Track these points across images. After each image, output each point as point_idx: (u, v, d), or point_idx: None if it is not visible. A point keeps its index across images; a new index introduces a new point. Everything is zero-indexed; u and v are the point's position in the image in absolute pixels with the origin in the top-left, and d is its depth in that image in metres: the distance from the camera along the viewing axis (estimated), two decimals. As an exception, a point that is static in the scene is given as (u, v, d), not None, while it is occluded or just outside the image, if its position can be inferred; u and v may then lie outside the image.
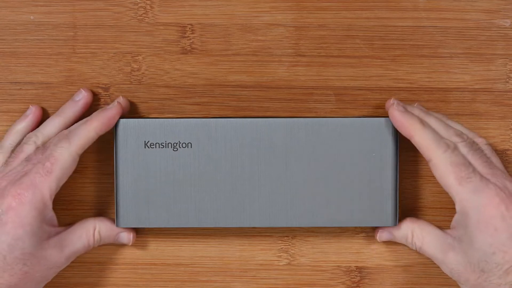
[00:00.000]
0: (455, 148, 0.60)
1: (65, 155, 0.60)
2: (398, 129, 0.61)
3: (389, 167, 0.62)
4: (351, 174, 0.62)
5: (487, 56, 0.66)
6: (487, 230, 0.58)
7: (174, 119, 0.62)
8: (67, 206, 0.66)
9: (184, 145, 0.62)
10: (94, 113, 0.63)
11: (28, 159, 0.61)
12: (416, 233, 0.63)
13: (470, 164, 0.60)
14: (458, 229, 0.60)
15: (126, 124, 0.62)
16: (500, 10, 0.66)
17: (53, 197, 0.60)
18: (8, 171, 0.61)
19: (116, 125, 0.62)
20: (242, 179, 0.62)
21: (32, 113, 0.65)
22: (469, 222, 0.59)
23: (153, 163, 0.62)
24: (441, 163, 0.59)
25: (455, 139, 0.61)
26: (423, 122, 0.61)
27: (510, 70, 0.66)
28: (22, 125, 0.64)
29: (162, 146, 0.62)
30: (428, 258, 0.63)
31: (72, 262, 0.64)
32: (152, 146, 0.62)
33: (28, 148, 0.62)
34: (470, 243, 0.59)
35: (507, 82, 0.66)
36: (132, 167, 0.62)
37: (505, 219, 0.58)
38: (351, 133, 0.62)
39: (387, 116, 0.62)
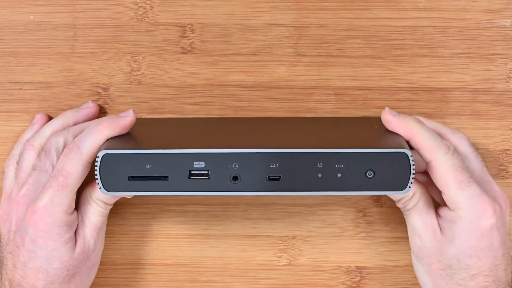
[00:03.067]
0: (454, 150, 0.59)
1: (77, 167, 0.59)
2: (395, 130, 0.60)
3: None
4: (354, 129, 0.61)
5: (487, 56, 0.66)
6: (474, 234, 0.58)
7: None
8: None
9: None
10: (106, 118, 0.61)
11: (34, 167, 0.61)
12: (416, 195, 0.60)
13: (468, 168, 0.60)
14: (445, 221, 0.60)
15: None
16: (500, 10, 0.66)
17: (73, 206, 0.60)
18: (21, 187, 0.61)
19: None
20: (242, 127, 0.61)
21: (38, 121, 0.65)
22: (460, 221, 0.59)
23: (149, 122, 0.62)
24: (442, 166, 0.58)
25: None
26: (420, 121, 0.60)
27: (510, 70, 0.66)
28: (29, 135, 0.64)
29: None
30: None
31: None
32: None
33: (28, 154, 0.62)
34: (452, 238, 0.59)
35: (507, 82, 0.66)
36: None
37: (492, 229, 0.59)
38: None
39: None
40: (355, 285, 0.67)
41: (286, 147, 0.56)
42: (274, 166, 0.56)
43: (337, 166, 0.56)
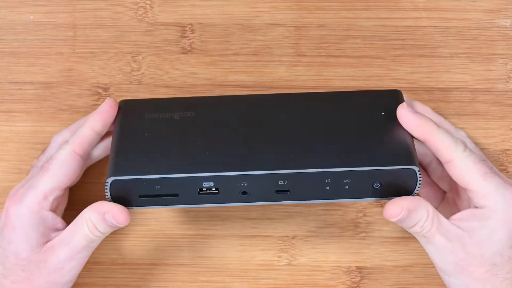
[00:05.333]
0: (466, 145, 0.58)
1: (61, 153, 0.59)
2: (410, 131, 0.58)
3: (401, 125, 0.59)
4: (362, 132, 0.59)
5: (487, 56, 0.66)
6: (509, 224, 0.58)
7: (175, 98, 0.61)
8: (69, 207, 0.66)
9: (187, 114, 0.60)
10: (93, 112, 0.61)
11: (32, 165, 0.63)
12: (430, 214, 0.57)
13: (487, 159, 0.59)
14: (469, 221, 0.58)
15: (127, 102, 0.61)
16: (501, 10, 0.66)
17: (50, 197, 0.58)
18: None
19: (119, 107, 0.61)
20: (249, 129, 0.59)
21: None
22: (494, 215, 0.57)
23: (154, 128, 0.59)
24: (464, 162, 0.57)
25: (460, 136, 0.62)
26: (435, 123, 0.58)
27: (510, 70, 0.66)
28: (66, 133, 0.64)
29: (163, 116, 0.60)
30: (429, 258, 0.63)
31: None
32: (153, 117, 0.60)
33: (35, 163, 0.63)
34: (489, 235, 0.58)
35: (508, 82, 0.66)
36: (130, 131, 0.59)
37: None
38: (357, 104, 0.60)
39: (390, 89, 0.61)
40: (355, 285, 0.67)
41: (294, 167, 0.56)
42: (282, 183, 0.57)
43: (345, 181, 0.57)
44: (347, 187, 0.57)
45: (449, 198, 0.63)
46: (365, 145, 0.58)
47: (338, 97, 0.62)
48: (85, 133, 0.60)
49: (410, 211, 0.56)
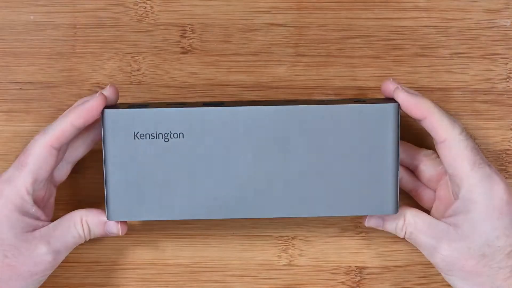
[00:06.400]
0: (463, 130, 0.60)
1: (38, 147, 0.59)
2: (408, 111, 0.59)
3: (390, 153, 0.60)
4: (350, 161, 0.60)
5: (487, 56, 0.66)
6: (493, 214, 0.58)
7: (164, 109, 0.59)
8: (67, 206, 0.66)
9: (175, 135, 0.59)
10: (74, 104, 0.61)
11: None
12: (408, 219, 0.61)
13: (479, 149, 0.60)
14: (455, 216, 0.60)
15: (113, 114, 0.59)
16: (501, 10, 0.66)
17: (31, 191, 0.59)
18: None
19: (103, 116, 0.59)
20: (238, 168, 0.60)
21: None
22: (475, 207, 0.58)
23: (144, 154, 0.59)
24: (457, 145, 0.58)
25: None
26: (433, 102, 0.60)
27: (510, 70, 0.66)
28: None
29: (152, 137, 0.59)
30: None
31: (72, 262, 0.64)
32: (142, 137, 0.59)
33: None
34: (472, 228, 0.58)
35: (508, 82, 0.66)
36: (121, 158, 0.59)
37: (509, 204, 0.59)
38: (349, 120, 0.60)
39: (386, 102, 0.60)
40: (355, 285, 0.67)
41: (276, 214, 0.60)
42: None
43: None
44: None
45: (439, 195, 0.63)
46: (350, 190, 0.60)
47: (328, 112, 0.60)
48: (63, 127, 0.59)
49: (385, 220, 0.62)
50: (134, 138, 0.59)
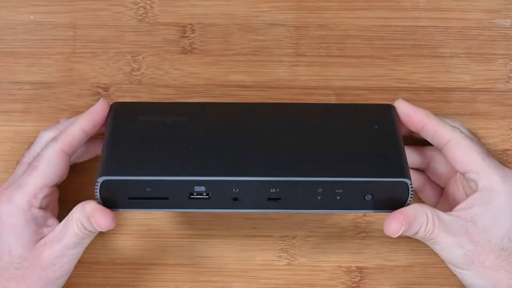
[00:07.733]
0: (462, 131, 0.60)
1: (49, 151, 0.59)
2: (407, 120, 0.60)
3: (394, 137, 0.59)
4: (355, 143, 0.59)
5: (487, 56, 0.66)
6: None
7: (169, 102, 0.60)
8: (67, 207, 0.66)
9: (179, 119, 0.60)
10: (85, 112, 0.61)
11: (18, 162, 0.62)
12: (430, 217, 0.57)
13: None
14: (472, 208, 0.58)
15: (119, 104, 0.61)
16: (501, 10, 0.66)
17: (39, 195, 0.59)
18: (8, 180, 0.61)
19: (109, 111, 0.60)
20: (242, 136, 0.59)
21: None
22: (497, 196, 0.58)
23: (146, 131, 0.59)
24: (463, 142, 0.59)
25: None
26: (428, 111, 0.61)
27: (510, 70, 0.66)
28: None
29: (156, 120, 0.60)
30: (429, 258, 0.63)
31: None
32: (145, 120, 0.59)
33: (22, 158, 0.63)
34: (493, 220, 0.58)
35: (508, 82, 0.66)
36: (122, 132, 0.59)
37: None
38: (351, 118, 0.61)
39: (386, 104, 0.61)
40: (355, 285, 0.67)
41: (286, 175, 0.56)
42: (274, 191, 0.57)
43: (337, 191, 0.57)
44: (338, 197, 0.57)
45: (447, 192, 0.63)
46: (358, 157, 0.58)
47: (332, 109, 0.62)
48: (75, 133, 0.60)
49: (410, 223, 0.57)
50: (137, 120, 0.60)
